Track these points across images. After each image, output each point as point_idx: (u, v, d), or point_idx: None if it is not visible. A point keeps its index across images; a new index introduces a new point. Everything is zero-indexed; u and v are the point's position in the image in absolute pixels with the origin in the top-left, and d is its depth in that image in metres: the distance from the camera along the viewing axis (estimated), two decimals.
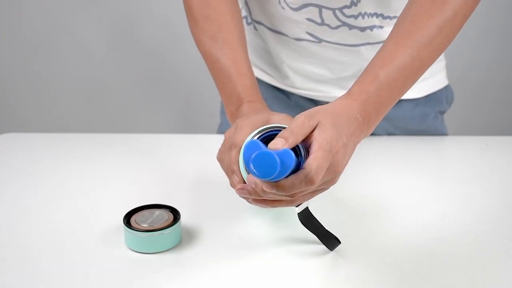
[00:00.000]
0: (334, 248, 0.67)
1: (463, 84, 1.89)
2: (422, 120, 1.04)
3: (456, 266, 0.64)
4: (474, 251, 0.67)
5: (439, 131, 1.07)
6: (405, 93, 0.69)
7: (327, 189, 0.63)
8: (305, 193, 0.59)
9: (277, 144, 0.55)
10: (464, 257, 0.66)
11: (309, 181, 0.55)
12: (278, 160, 0.51)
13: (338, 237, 0.66)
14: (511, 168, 0.93)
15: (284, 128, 0.62)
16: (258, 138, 0.61)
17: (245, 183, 0.63)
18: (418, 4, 0.68)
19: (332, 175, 0.60)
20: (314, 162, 0.56)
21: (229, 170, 0.65)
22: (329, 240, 0.66)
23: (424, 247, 0.68)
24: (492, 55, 2.02)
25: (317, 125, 0.59)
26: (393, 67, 0.66)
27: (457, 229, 0.72)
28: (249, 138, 0.63)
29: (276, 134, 0.61)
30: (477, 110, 2.08)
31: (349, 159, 0.62)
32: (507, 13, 1.96)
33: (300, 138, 0.58)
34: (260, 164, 0.52)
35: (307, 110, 0.61)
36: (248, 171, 0.57)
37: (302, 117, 0.59)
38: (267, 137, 0.62)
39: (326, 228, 0.66)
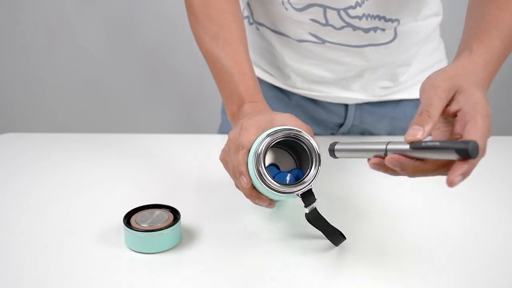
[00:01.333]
0: (339, 244, 0.67)
1: None
2: None
3: (456, 266, 0.64)
4: (474, 251, 0.67)
5: None
6: (508, 56, 0.67)
7: None
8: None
9: (415, 135, 0.53)
10: (464, 257, 0.66)
11: (482, 151, 0.52)
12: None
13: None
14: (511, 168, 0.93)
15: (291, 129, 0.63)
16: (269, 144, 0.63)
17: (253, 185, 0.64)
18: None
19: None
20: (477, 132, 0.52)
21: (237, 172, 0.65)
22: (335, 236, 0.67)
23: (424, 246, 0.68)
24: None
25: (457, 90, 0.56)
26: (505, 28, 0.65)
27: (457, 229, 0.72)
28: (258, 141, 0.64)
29: (288, 138, 0.64)
30: None
31: None
32: None
33: (436, 119, 0.54)
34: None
35: (442, 74, 0.57)
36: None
37: (439, 93, 0.55)
38: (279, 142, 0.64)
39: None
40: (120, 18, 2.03)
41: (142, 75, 2.11)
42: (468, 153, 0.49)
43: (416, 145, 0.53)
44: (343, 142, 0.62)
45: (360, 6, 0.84)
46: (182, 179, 0.87)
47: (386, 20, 0.87)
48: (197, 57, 0.91)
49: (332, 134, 1.08)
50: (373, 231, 0.72)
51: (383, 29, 0.89)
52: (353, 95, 0.99)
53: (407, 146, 0.53)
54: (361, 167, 0.90)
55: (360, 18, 0.86)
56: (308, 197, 0.65)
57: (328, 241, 0.67)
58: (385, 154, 0.56)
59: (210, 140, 1.06)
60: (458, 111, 0.55)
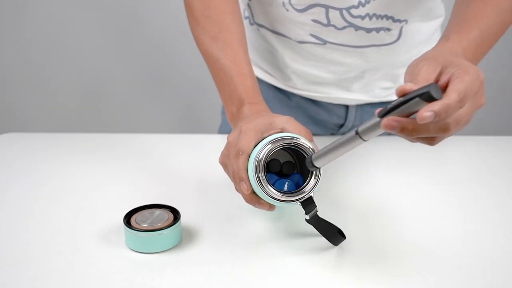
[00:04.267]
0: (338, 244, 0.67)
1: None
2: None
3: (456, 266, 0.64)
4: (474, 251, 0.67)
5: None
6: (487, 52, 0.71)
7: (458, 129, 0.55)
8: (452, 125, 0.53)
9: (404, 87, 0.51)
10: (464, 257, 0.66)
11: (461, 100, 0.50)
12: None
13: None
14: (511, 168, 0.93)
15: (292, 138, 0.64)
16: (270, 152, 0.63)
17: (253, 191, 0.65)
18: None
19: (476, 106, 0.55)
20: (461, 85, 0.51)
21: (237, 177, 0.65)
22: (335, 237, 0.67)
23: (423, 246, 0.68)
24: (491, 55, 2.02)
25: (444, 65, 0.55)
26: (485, 21, 0.68)
27: (457, 229, 0.72)
28: (259, 147, 0.64)
29: (290, 145, 0.64)
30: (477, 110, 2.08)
31: None
32: None
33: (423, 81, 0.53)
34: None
35: (422, 57, 0.57)
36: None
37: (425, 65, 0.55)
38: (282, 148, 0.64)
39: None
40: (121, 18, 2.03)
41: (142, 75, 2.11)
42: (430, 94, 0.47)
43: (382, 112, 0.51)
44: (318, 151, 0.63)
45: (363, 6, 0.84)
46: (182, 179, 0.87)
47: (394, 20, 0.87)
48: (197, 57, 0.91)
49: (332, 134, 1.08)
50: (373, 231, 0.72)
51: (389, 29, 0.89)
52: (354, 96, 0.99)
53: (376, 119, 0.52)
54: (361, 166, 0.90)
55: (362, 17, 0.86)
56: (308, 204, 0.65)
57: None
58: (361, 138, 0.55)
59: (210, 140, 1.06)
60: (449, 80, 0.54)
